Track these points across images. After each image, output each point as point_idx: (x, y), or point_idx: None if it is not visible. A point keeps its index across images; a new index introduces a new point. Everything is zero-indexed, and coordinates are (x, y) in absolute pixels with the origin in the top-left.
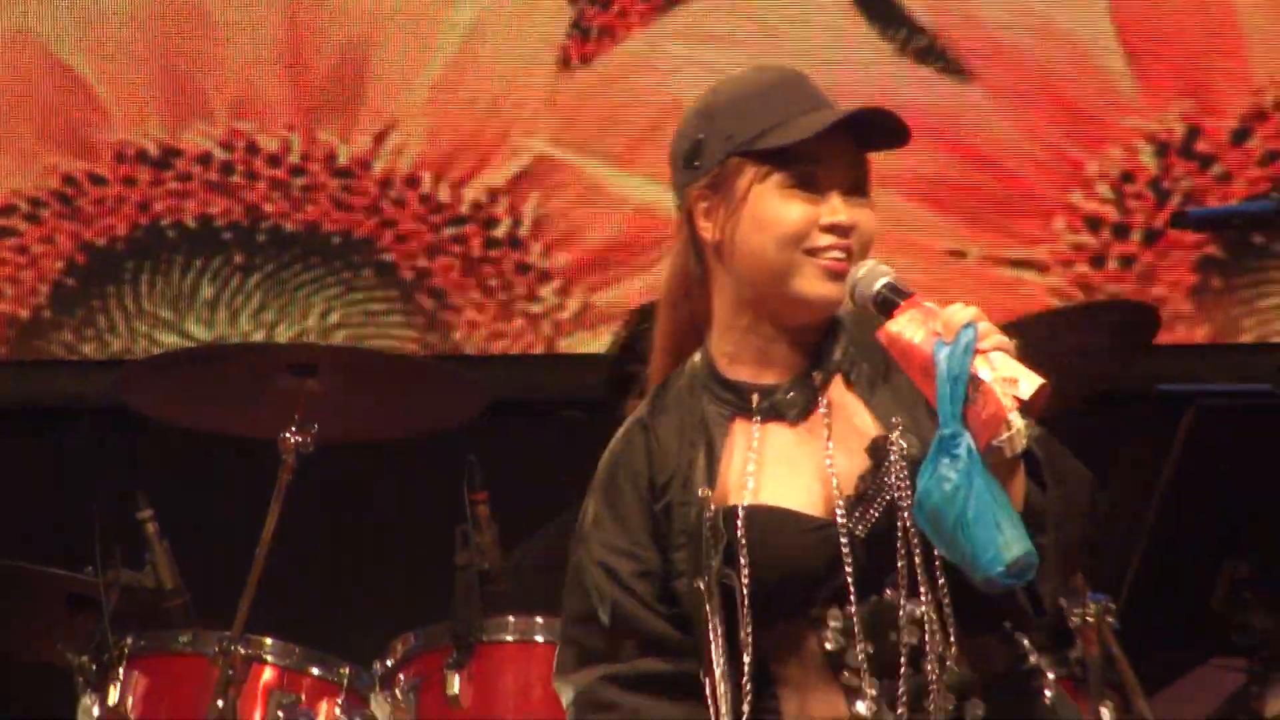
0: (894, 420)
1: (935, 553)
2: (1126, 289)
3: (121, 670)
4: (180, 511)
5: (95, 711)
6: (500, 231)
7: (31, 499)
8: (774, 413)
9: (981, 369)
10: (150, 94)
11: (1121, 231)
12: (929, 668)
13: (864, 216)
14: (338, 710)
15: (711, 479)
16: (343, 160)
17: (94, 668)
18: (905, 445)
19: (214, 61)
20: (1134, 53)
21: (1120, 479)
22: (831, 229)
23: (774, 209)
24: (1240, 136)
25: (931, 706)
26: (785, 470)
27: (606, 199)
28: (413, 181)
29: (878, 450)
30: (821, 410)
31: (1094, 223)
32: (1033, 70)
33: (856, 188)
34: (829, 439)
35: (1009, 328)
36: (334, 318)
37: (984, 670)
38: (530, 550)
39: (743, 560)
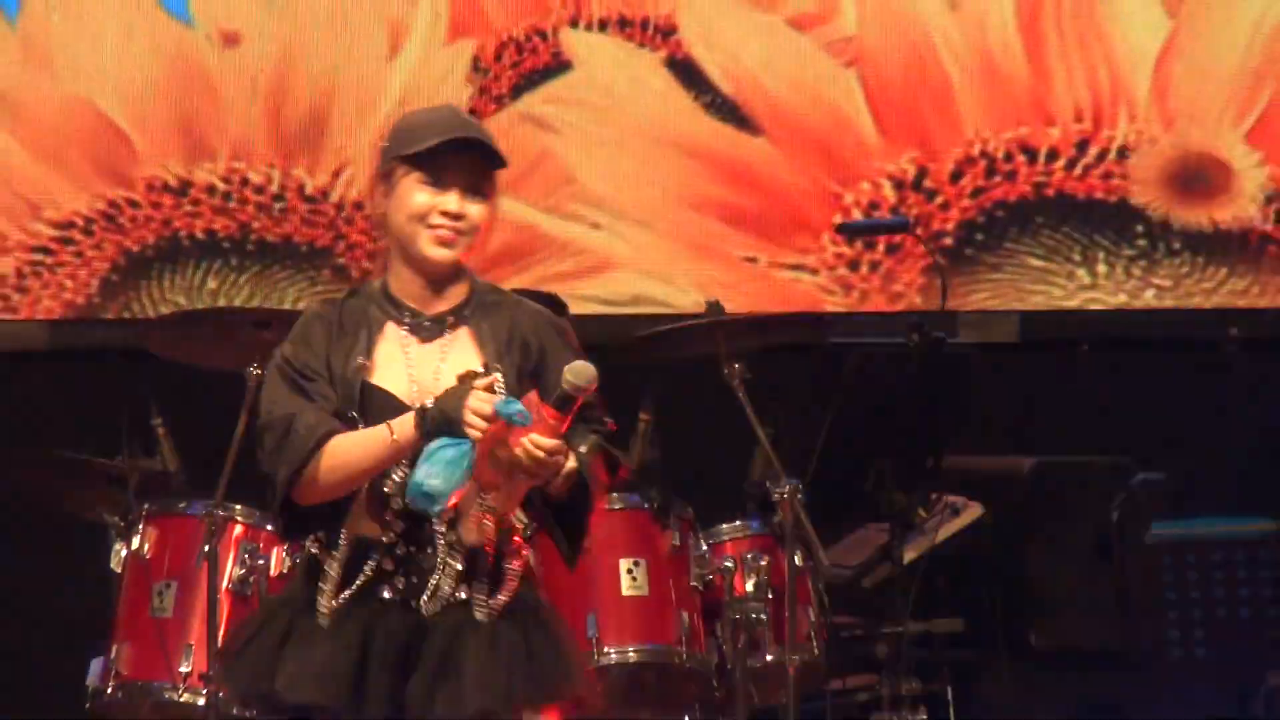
0: (487, 365)
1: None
2: (874, 285)
3: (140, 526)
4: (181, 418)
5: (123, 554)
6: None
7: (83, 411)
8: (414, 330)
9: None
10: (171, 141)
11: (870, 245)
12: (449, 544)
13: (474, 210)
14: (284, 554)
15: (369, 353)
16: (309, 190)
17: (122, 525)
18: (498, 379)
19: (215, 117)
20: (877, 115)
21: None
22: (445, 214)
23: (408, 195)
24: (956, 176)
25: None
26: (402, 369)
27: (498, 218)
28: (359, 205)
29: (463, 379)
30: (444, 340)
31: (852, 238)
32: (805, 127)
33: (474, 190)
34: (442, 360)
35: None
36: (301, 304)
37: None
38: None
39: (355, 414)
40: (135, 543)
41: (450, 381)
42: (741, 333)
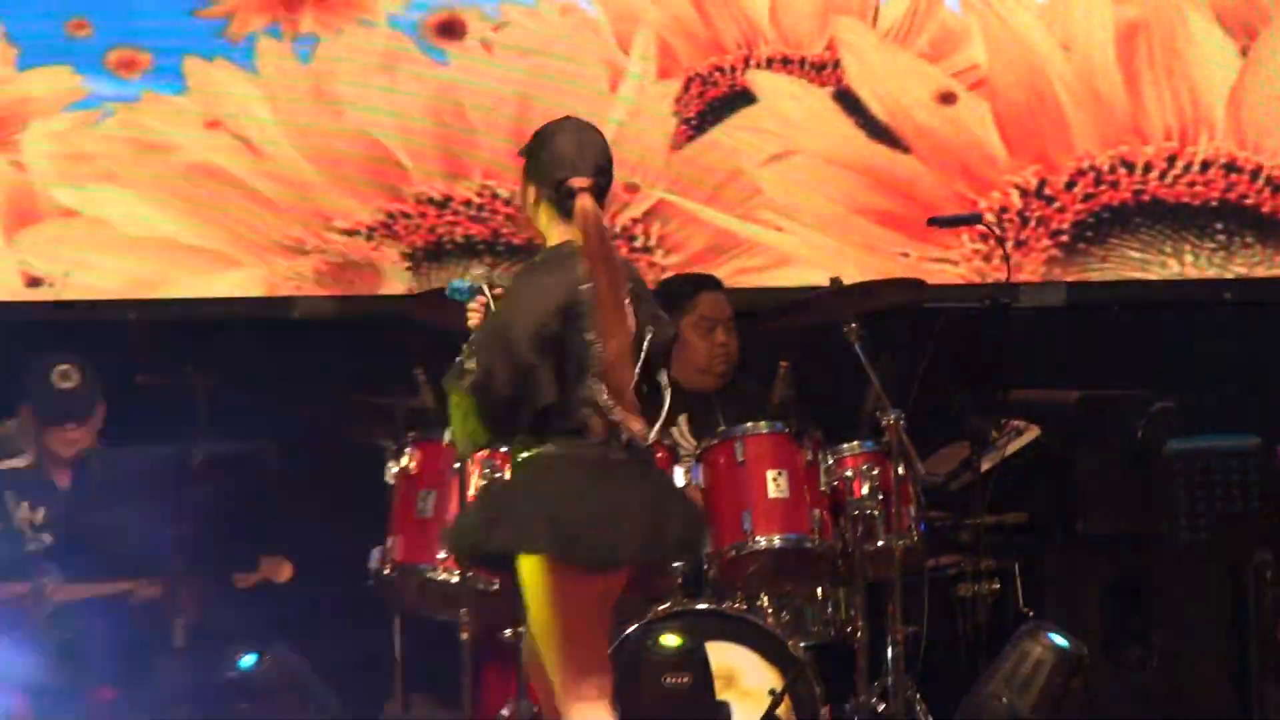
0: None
1: (650, 375)
2: (1002, 275)
3: (408, 449)
4: (436, 368)
5: (394, 470)
6: (639, 243)
7: (363, 364)
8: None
9: None
10: (434, 164)
11: (1001, 241)
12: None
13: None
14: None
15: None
16: None
17: (394, 448)
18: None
19: (470, 143)
20: (1004, 135)
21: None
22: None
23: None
24: (1070, 185)
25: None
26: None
27: (699, 225)
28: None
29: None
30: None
31: (984, 236)
32: (945, 145)
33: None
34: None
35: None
36: None
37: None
38: None
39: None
40: (404, 461)
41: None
42: (855, 299)
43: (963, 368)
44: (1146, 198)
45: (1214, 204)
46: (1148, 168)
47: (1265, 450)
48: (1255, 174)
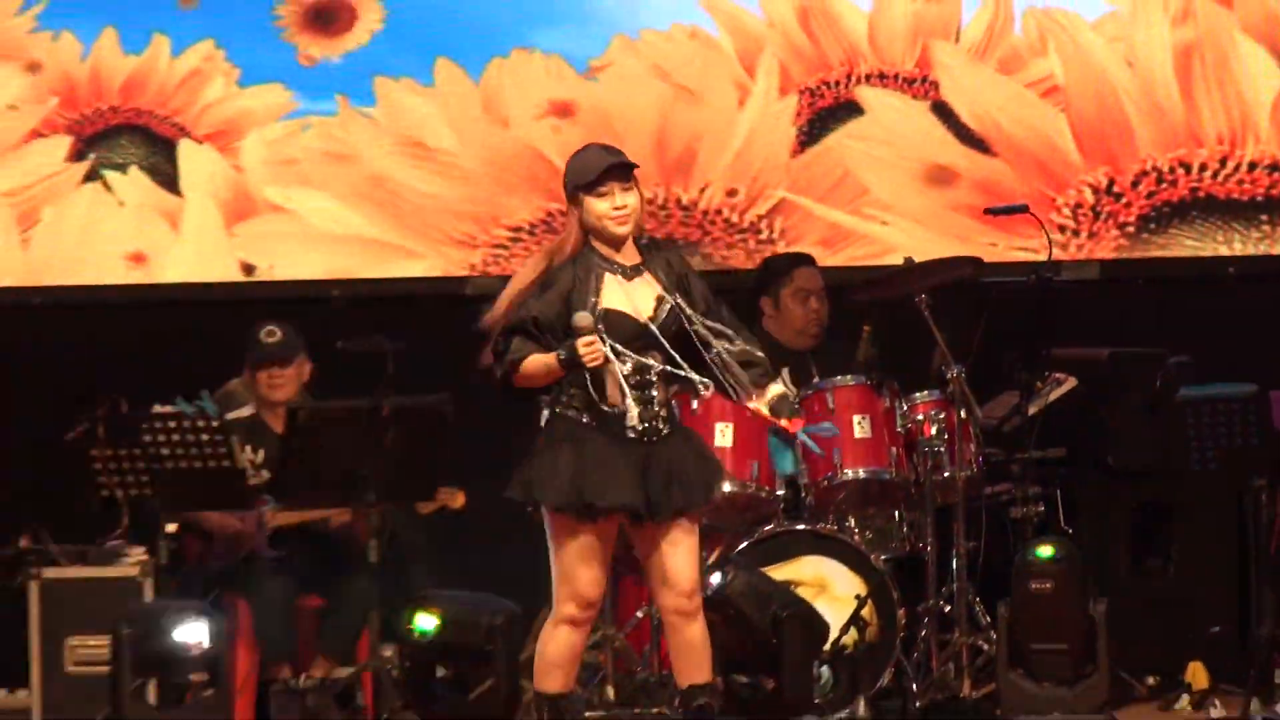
0: (663, 295)
1: (687, 344)
2: (1079, 257)
3: None
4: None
5: (545, 417)
6: (763, 236)
7: None
8: (618, 272)
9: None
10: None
11: (1075, 233)
12: (654, 393)
13: (631, 199)
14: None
15: (597, 292)
16: (684, 201)
17: (546, 399)
18: (670, 304)
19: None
20: (1079, 141)
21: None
22: (612, 207)
23: (589, 205)
24: (1135, 184)
25: (655, 409)
26: (623, 296)
27: (815, 221)
28: (720, 210)
29: (658, 303)
30: (640, 280)
31: (1063, 229)
32: (1027, 150)
33: (625, 184)
34: (646, 290)
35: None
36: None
37: (666, 402)
38: None
39: (602, 327)
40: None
41: (646, 303)
42: (924, 275)
43: (1013, 331)
44: (1201, 194)
45: (1260, 199)
46: (1202, 168)
47: (1260, 396)
48: None
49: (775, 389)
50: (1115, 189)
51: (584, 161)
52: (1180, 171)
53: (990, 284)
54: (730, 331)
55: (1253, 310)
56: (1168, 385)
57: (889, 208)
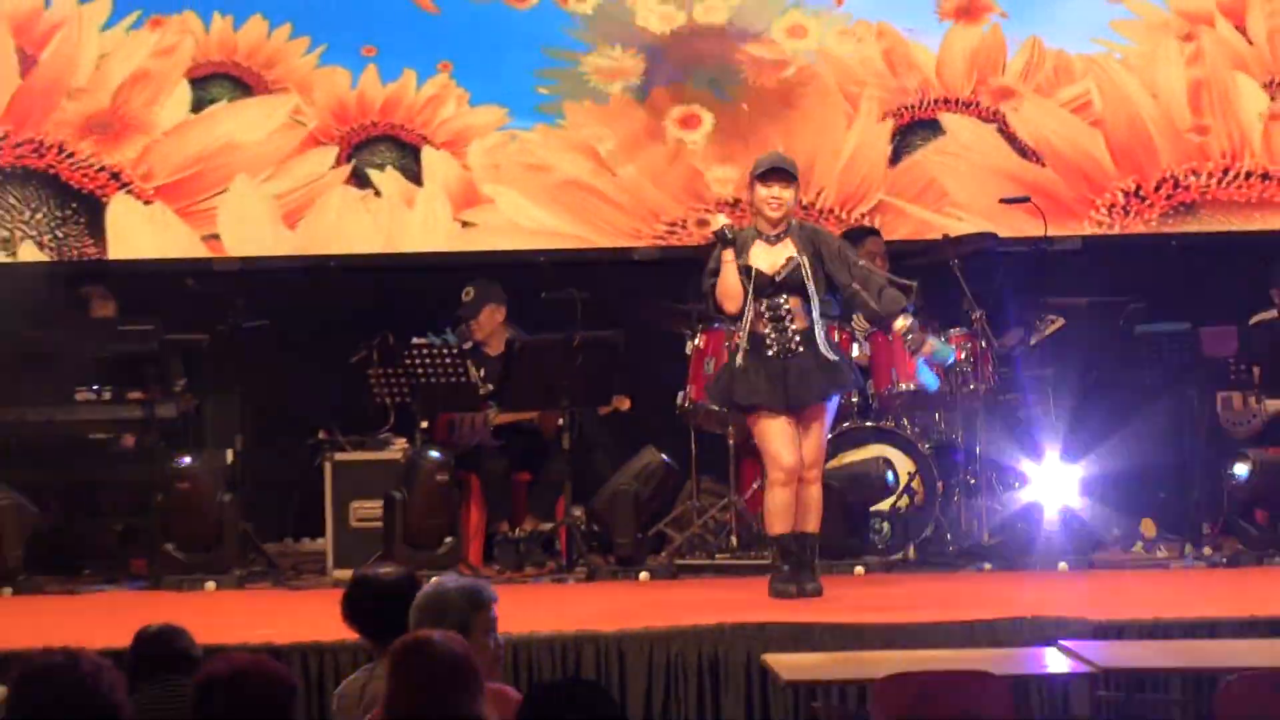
0: (792, 256)
1: (796, 297)
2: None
3: (699, 333)
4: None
5: (691, 345)
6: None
7: (683, 284)
8: (766, 241)
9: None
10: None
11: (1111, 227)
12: (790, 325)
13: (786, 194)
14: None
15: (746, 253)
16: (804, 203)
17: (691, 333)
18: (801, 262)
19: (752, 163)
20: (1113, 155)
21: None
22: (773, 197)
23: (757, 190)
24: (1157, 188)
25: (789, 335)
26: (764, 257)
27: (907, 217)
28: (833, 209)
29: (787, 262)
30: (780, 245)
31: (1099, 224)
32: (1071, 163)
33: (784, 183)
34: (782, 252)
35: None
36: None
37: (806, 331)
38: None
39: (748, 276)
40: (696, 340)
41: (779, 261)
42: (956, 245)
43: (1019, 284)
44: (1209, 197)
45: (1253, 201)
46: (1209, 176)
47: (1192, 331)
48: None
49: (900, 322)
50: (1141, 193)
51: (761, 160)
52: (1192, 179)
53: (1002, 252)
54: (859, 274)
55: (1189, 271)
56: (1128, 323)
57: (964, 207)
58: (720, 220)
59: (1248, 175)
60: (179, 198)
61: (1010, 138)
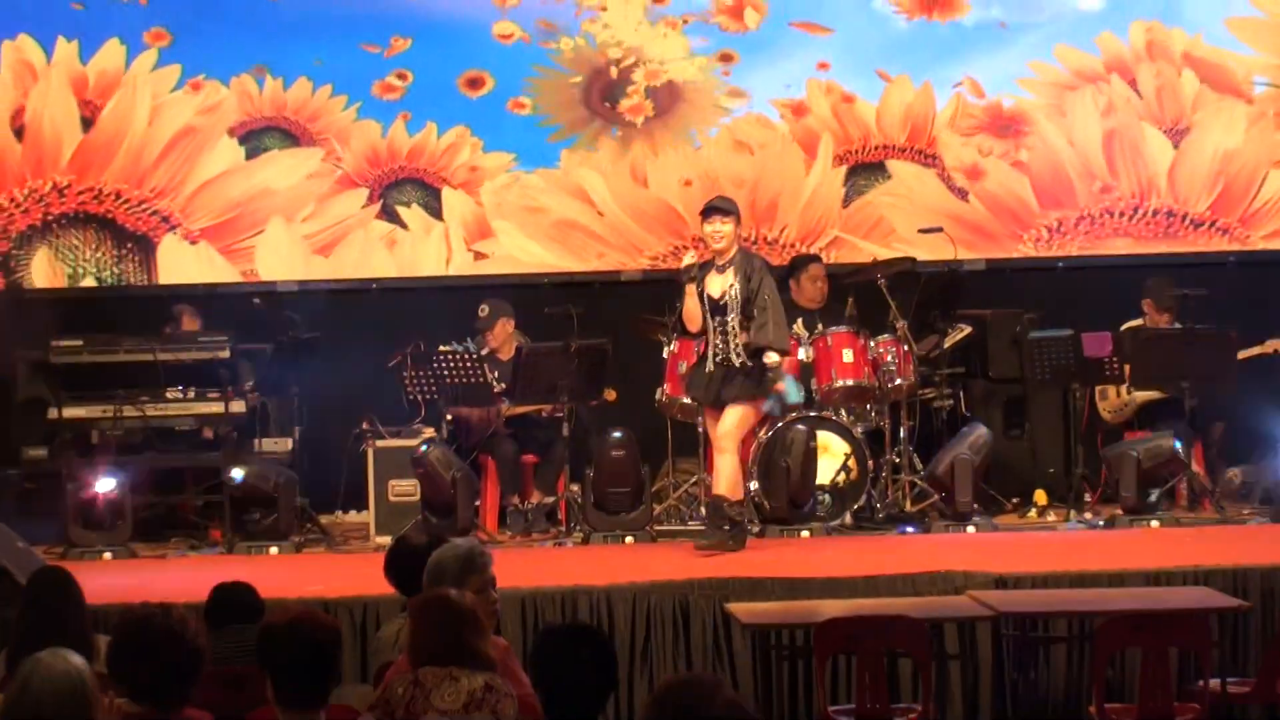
0: (733, 283)
1: (734, 316)
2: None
3: (674, 340)
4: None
5: (667, 350)
6: (823, 259)
7: (660, 300)
8: (718, 270)
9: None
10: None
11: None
12: (732, 342)
13: (725, 228)
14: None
15: (702, 280)
16: (769, 237)
17: (667, 340)
18: (734, 290)
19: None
20: (1038, 196)
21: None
22: (712, 230)
23: (704, 227)
24: (1076, 224)
25: (731, 347)
26: (714, 283)
27: (858, 249)
28: (795, 244)
29: (729, 288)
30: (727, 273)
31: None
32: (1000, 202)
33: (723, 217)
34: (728, 279)
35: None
36: None
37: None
38: None
39: (704, 300)
40: (672, 346)
41: (723, 287)
42: (884, 266)
43: (933, 299)
44: (1122, 233)
45: (1159, 235)
46: (1121, 214)
47: (1075, 337)
48: (1183, 218)
49: (770, 358)
50: (1061, 229)
51: (707, 203)
52: (1106, 217)
53: (921, 272)
54: (759, 305)
55: (1072, 287)
56: (1023, 330)
57: (909, 241)
58: (687, 259)
59: (1154, 213)
60: (221, 238)
61: (948, 180)
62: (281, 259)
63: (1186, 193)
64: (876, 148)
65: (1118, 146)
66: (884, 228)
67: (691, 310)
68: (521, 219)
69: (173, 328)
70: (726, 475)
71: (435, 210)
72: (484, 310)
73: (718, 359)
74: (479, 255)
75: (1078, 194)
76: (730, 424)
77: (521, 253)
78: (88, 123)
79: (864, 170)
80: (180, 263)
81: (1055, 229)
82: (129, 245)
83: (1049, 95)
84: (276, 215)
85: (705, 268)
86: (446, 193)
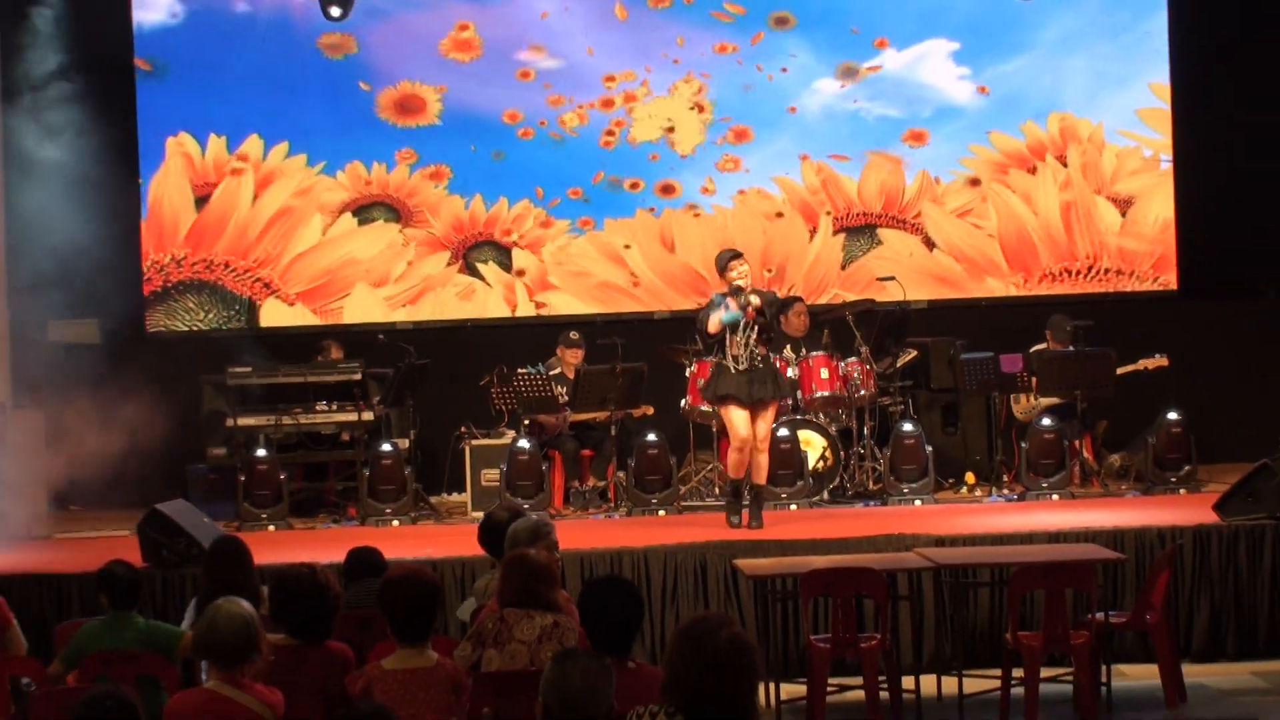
0: (753, 297)
1: (756, 323)
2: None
3: (694, 364)
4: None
5: (688, 371)
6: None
7: (683, 332)
8: (741, 297)
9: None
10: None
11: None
12: (756, 349)
13: (745, 267)
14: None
15: (728, 307)
16: (780, 295)
17: (689, 364)
18: (753, 300)
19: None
20: (1006, 256)
21: None
22: (740, 273)
23: (729, 273)
24: (1040, 281)
25: (754, 356)
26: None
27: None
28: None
29: (756, 311)
30: (748, 293)
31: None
32: (972, 259)
33: (740, 260)
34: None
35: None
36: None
37: (765, 355)
38: None
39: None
40: (692, 368)
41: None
42: (851, 306)
43: (888, 330)
44: (1076, 290)
45: (1110, 291)
46: (1076, 273)
47: (994, 358)
48: (1130, 275)
49: (753, 300)
50: (1027, 286)
51: (722, 255)
52: (1064, 275)
53: (878, 310)
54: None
55: (993, 321)
56: (955, 354)
57: (898, 295)
58: (731, 308)
59: (1105, 270)
60: (314, 300)
61: (930, 244)
62: (364, 318)
63: (1133, 257)
64: (859, 214)
65: (1074, 215)
66: (876, 286)
67: (716, 320)
68: (568, 283)
69: (324, 356)
70: (765, 469)
71: (507, 266)
72: (575, 335)
73: (741, 365)
74: (540, 306)
75: (1040, 255)
76: (766, 429)
77: (568, 307)
78: (201, 204)
79: (856, 235)
80: (280, 322)
81: (1021, 285)
82: (235, 308)
83: (988, 173)
84: (361, 281)
85: (738, 293)
86: (516, 252)
